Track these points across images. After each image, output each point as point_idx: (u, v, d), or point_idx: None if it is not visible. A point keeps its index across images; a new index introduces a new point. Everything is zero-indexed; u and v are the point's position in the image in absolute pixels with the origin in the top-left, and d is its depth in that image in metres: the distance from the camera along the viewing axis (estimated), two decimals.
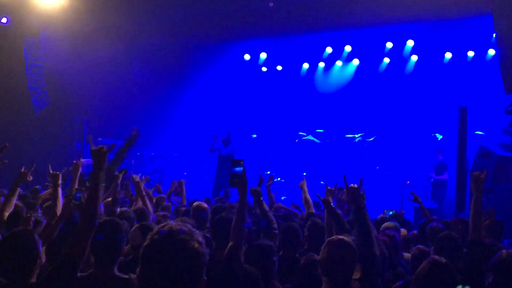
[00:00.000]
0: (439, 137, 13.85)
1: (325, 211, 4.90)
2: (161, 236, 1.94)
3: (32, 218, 4.37)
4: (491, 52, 13.14)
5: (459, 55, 13.85)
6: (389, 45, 14.34)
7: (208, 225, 5.87)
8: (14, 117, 12.90)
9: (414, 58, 14.48)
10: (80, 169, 6.18)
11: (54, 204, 5.08)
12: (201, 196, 9.67)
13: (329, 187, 5.63)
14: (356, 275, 3.45)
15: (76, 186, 5.81)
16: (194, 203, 6.17)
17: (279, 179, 15.09)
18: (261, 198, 5.36)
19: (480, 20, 11.77)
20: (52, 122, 13.59)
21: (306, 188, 6.73)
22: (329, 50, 15.25)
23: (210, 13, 12.69)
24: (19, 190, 5.46)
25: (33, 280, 3.20)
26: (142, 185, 6.84)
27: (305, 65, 16.17)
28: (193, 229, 2.00)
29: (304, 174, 14.37)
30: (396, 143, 14.71)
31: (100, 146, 3.14)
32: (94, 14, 12.32)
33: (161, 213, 5.96)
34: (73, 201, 4.46)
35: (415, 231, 6.21)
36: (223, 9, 12.51)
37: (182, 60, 15.62)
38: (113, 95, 14.40)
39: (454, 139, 10.00)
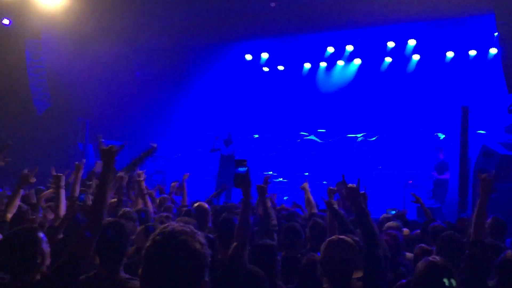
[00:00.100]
0: (441, 136, 13.84)
1: (328, 212, 4.91)
2: (162, 237, 1.95)
3: (37, 221, 4.38)
4: (493, 51, 13.11)
5: (461, 54, 13.82)
6: (390, 44, 14.32)
7: (210, 225, 5.88)
8: (16, 119, 12.92)
9: (416, 57, 14.46)
10: (82, 171, 6.19)
11: (57, 206, 5.08)
12: (204, 197, 9.66)
13: (331, 187, 5.63)
14: (358, 275, 3.43)
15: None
16: (195, 204, 6.18)
17: (281, 179, 15.10)
18: (266, 195, 5.34)
19: (482, 19, 11.76)
20: (54, 123, 13.60)
21: (308, 189, 6.74)
22: (330, 50, 15.23)
23: (212, 13, 12.70)
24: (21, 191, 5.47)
25: (37, 278, 3.19)
26: (144, 185, 6.84)
27: (307, 65, 16.16)
28: (195, 230, 2.00)
29: (306, 174, 14.38)
30: (398, 142, 14.69)
31: (110, 145, 3.14)
32: (95, 15, 12.34)
33: (164, 214, 5.96)
34: (77, 202, 4.46)
35: (418, 231, 6.21)
36: (225, 10, 12.52)
37: (184, 61, 15.64)
38: (115, 96, 14.42)
39: (456, 138, 10.01)
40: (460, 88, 13.31)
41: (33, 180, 5.39)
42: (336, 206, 4.80)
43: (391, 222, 5.80)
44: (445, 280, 3.33)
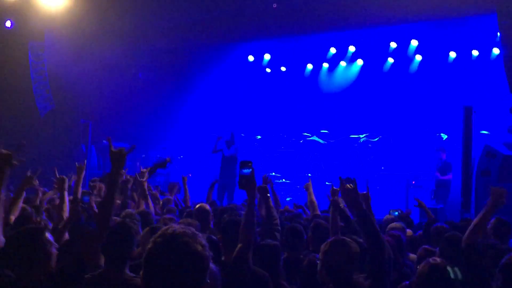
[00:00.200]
0: (444, 137, 13.81)
1: (331, 212, 4.89)
2: (163, 239, 1.95)
3: (42, 223, 4.39)
4: (496, 51, 13.09)
5: (463, 54, 13.79)
6: (393, 45, 14.31)
7: (211, 226, 5.87)
8: (19, 121, 12.94)
9: (418, 58, 14.44)
10: (84, 172, 6.19)
11: (61, 208, 5.09)
12: (205, 198, 9.65)
13: (334, 187, 5.61)
14: (362, 275, 3.42)
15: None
16: (197, 205, 6.17)
17: (283, 180, 15.10)
18: (268, 195, 5.32)
19: (485, 19, 11.72)
20: (57, 125, 13.62)
21: (311, 190, 6.71)
22: (333, 50, 15.23)
23: (214, 14, 12.70)
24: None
25: (42, 277, 3.21)
26: (146, 186, 6.83)
27: (309, 66, 16.16)
28: (196, 232, 2.01)
29: (309, 175, 14.37)
30: (401, 143, 14.67)
31: (120, 148, 3.15)
32: (98, 17, 12.35)
33: (168, 216, 5.95)
34: (81, 204, 4.47)
35: (421, 232, 6.20)
36: (227, 11, 12.52)
37: (186, 62, 15.65)
38: (117, 98, 14.43)
39: (459, 139, 9.99)
40: (462, 88, 13.27)
41: (35, 182, 5.40)
42: (342, 205, 4.76)
43: (394, 223, 5.79)
44: (450, 270, 3.33)
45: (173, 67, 15.52)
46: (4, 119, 12.74)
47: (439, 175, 11.83)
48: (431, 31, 13.33)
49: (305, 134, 16.27)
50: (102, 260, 3.44)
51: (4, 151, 3.54)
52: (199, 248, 1.95)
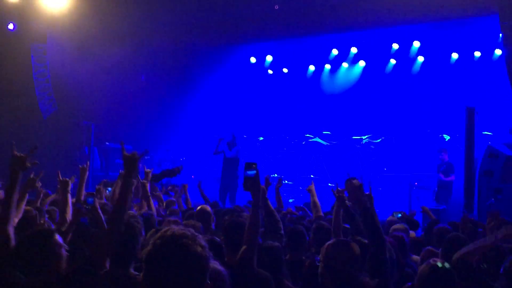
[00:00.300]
0: (447, 137, 13.80)
1: (334, 208, 4.88)
2: (163, 241, 1.96)
3: (46, 225, 4.40)
4: (498, 52, 13.09)
5: (465, 55, 13.80)
6: (395, 46, 14.32)
7: (213, 228, 5.87)
8: (22, 123, 12.95)
9: (421, 59, 14.45)
10: (87, 174, 6.19)
11: (64, 211, 5.09)
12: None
13: (339, 188, 5.59)
14: (365, 276, 3.41)
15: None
16: (198, 207, 6.16)
17: (286, 181, 15.09)
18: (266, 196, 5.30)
19: (487, 20, 11.72)
20: (59, 127, 13.64)
21: (314, 192, 6.69)
22: (335, 52, 15.25)
23: (216, 16, 12.72)
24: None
25: (53, 279, 3.22)
26: (148, 187, 6.82)
27: (311, 67, 16.18)
28: (196, 233, 2.02)
29: (312, 176, 14.37)
30: (403, 144, 14.66)
31: (133, 152, 3.17)
32: (100, 19, 12.38)
33: (172, 219, 5.93)
34: (85, 206, 4.47)
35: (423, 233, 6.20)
36: (229, 13, 12.54)
37: (189, 64, 15.68)
38: (120, 100, 14.45)
39: (461, 140, 9.98)
40: (465, 89, 13.27)
41: (38, 184, 5.41)
42: (347, 204, 4.73)
43: (398, 225, 5.78)
44: (439, 264, 3.32)
45: (176, 68, 15.54)
46: (7, 121, 12.76)
47: (442, 176, 11.82)
48: (433, 32, 13.33)
49: (308, 135, 16.27)
50: (106, 261, 3.45)
51: (18, 154, 3.57)
52: (199, 249, 1.96)
